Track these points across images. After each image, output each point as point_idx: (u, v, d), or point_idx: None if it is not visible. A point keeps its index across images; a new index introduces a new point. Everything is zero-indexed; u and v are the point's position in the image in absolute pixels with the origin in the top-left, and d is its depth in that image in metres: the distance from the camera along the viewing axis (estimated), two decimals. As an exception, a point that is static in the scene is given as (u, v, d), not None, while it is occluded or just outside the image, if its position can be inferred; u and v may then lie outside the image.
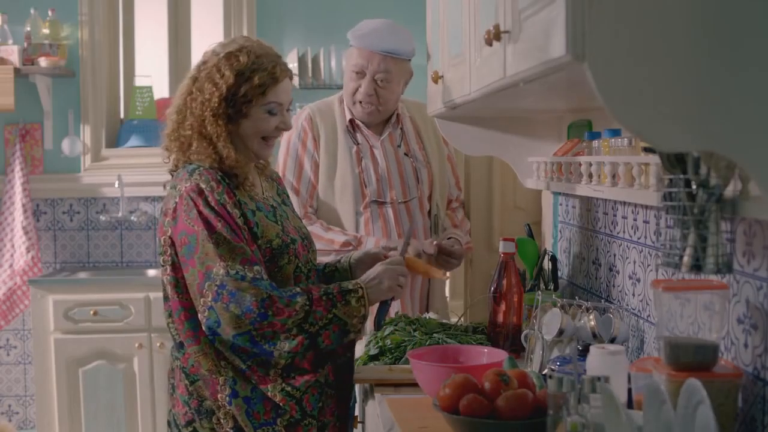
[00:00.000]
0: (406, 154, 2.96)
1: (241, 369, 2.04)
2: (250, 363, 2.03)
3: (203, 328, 2.02)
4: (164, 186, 2.19)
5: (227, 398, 2.04)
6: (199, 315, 2.02)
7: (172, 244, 2.05)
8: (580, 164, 2.32)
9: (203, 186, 2.03)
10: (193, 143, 2.10)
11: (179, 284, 2.05)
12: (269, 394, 2.05)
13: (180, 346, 2.09)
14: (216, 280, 1.97)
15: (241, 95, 2.08)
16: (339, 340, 2.06)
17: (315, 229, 2.82)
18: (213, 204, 2.02)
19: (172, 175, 2.17)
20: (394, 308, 2.60)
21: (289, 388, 2.05)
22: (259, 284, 1.98)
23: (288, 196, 2.36)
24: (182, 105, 2.13)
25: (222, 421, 2.05)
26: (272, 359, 2.02)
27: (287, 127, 2.19)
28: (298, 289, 2.03)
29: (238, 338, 1.99)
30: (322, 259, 2.80)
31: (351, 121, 2.93)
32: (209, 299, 1.98)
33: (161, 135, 2.20)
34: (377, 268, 2.16)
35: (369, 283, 2.11)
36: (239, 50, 2.10)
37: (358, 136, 2.93)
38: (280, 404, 2.05)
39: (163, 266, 2.09)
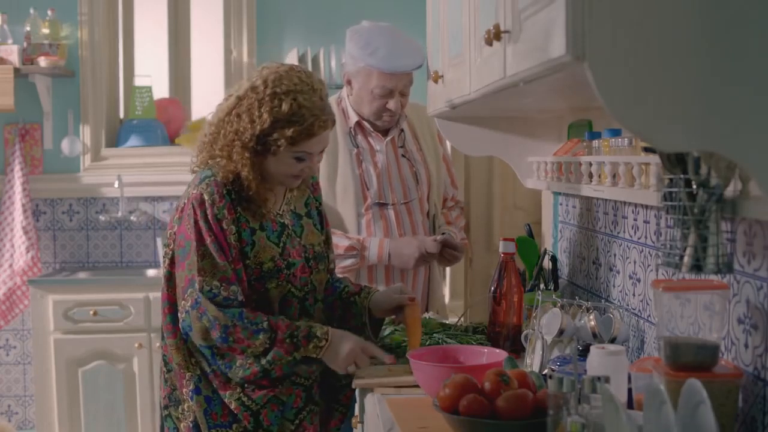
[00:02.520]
0: (404, 156, 2.96)
1: (206, 371, 2.13)
2: (215, 368, 2.12)
3: (179, 326, 2.12)
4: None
5: (190, 393, 2.14)
6: (178, 314, 2.12)
7: (175, 240, 2.15)
8: (580, 164, 2.32)
9: (206, 197, 2.10)
10: (221, 161, 2.14)
11: (172, 278, 2.15)
12: (226, 400, 2.12)
13: (163, 336, 2.20)
14: (196, 290, 2.07)
15: (272, 139, 2.09)
16: (289, 371, 2.13)
17: None
18: (210, 218, 2.09)
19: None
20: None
21: (245, 399, 2.12)
22: (226, 311, 2.06)
23: (320, 204, 2.38)
24: (220, 122, 2.15)
25: (185, 413, 2.16)
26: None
27: (312, 173, 2.23)
28: (264, 325, 2.07)
29: (203, 348, 2.10)
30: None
31: (358, 123, 2.91)
32: (188, 304, 2.08)
33: (198, 138, 2.23)
34: (354, 342, 2.15)
35: (333, 346, 2.11)
36: (285, 94, 2.08)
37: (359, 138, 2.92)
38: (235, 412, 2.12)
39: (164, 258, 2.19)
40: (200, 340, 2.08)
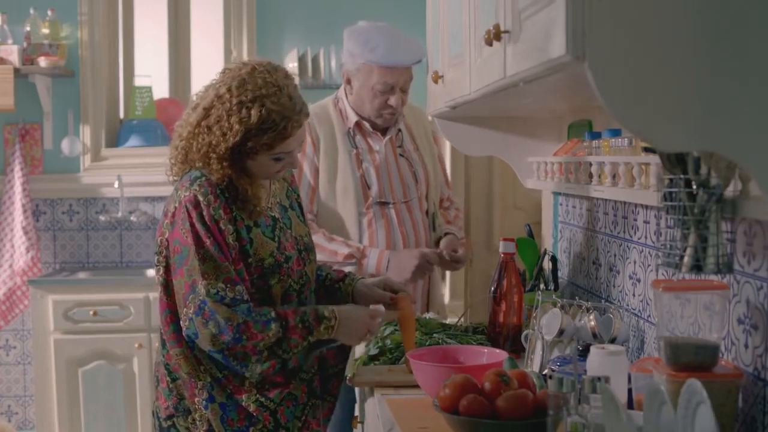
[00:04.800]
0: (402, 155, 2.96)
1: (218, 377, 2.08)
2: (227, 372, 2.07)
3: (183, 335, 2.06)
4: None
5: (203, 402, 2.08)
6: (180, 322, 2.05)
7: (168, 247, 2.08)
8: (580, 164, 2.32)
9: (200, 199, 2.03)
10: (207, 168, 2.09)
11: (169, 287, 2.08)
12: (243, 403, 2.08)
13: (164, 343, 2.13)
14: (199, 295, 2.01)
15: (248, 147, 2.05)
16: (304, 360, 2.11)
17: (317, 239, 2.78)
18: (207, 219, 2.03)
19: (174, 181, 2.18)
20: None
21: (263, 399, 2.09)
22: (236, 309, 2.00)
23: (298, 196, 2.36)
24: (190, 135, 2.11)
25: (197, 422, 2.10)
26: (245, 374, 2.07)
27: (294, 167, 2.19)
28: (273, 315, 2.03)
29: (213, 353, 2.03)
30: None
31: (357, 123, 2.91)
32: (191, 311, 2.01)
33: (169, 150, 2.19)
34: (361, 312, 2.15)
35: (344, 322, 2.09)
36: (252, 102, 2.02)
37: (358, 138, 2.91)
38: (254, 414, 2.08)
39: (157, 266, 2.12)
40: (208, 345, 2.01)
